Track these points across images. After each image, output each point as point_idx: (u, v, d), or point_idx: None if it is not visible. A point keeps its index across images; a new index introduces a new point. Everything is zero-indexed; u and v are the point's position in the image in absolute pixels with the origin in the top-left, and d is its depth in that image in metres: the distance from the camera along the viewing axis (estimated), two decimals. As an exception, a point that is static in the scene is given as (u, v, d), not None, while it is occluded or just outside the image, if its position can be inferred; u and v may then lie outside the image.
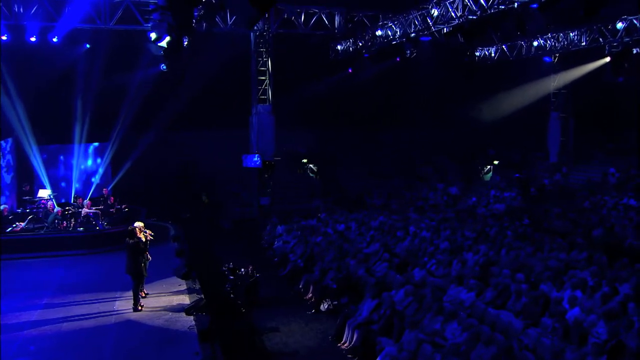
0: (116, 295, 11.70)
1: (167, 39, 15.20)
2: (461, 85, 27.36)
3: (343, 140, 29.83)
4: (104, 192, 19.26)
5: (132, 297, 11.07)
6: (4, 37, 17.29)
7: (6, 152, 18.91)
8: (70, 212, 17.03)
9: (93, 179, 21.51)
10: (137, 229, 11.24)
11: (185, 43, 18.83)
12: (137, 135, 22.54)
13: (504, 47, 23.58)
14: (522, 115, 26.41)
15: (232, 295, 12.80)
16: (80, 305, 11.26)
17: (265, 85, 22.32)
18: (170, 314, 10.81)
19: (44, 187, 18.77)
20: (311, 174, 29.91)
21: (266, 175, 22.32)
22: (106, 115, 20.76)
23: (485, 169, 30.40)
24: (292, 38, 22.33)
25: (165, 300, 11.64)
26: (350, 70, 24.25)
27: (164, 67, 19.71)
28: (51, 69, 18.94)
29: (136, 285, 11.03)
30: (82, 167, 21.20)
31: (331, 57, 23.76)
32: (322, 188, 27.60)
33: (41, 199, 17.63)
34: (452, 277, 12.27)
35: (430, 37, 17.17)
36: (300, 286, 13.69)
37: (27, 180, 19.09)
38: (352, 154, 29.88)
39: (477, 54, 24.59)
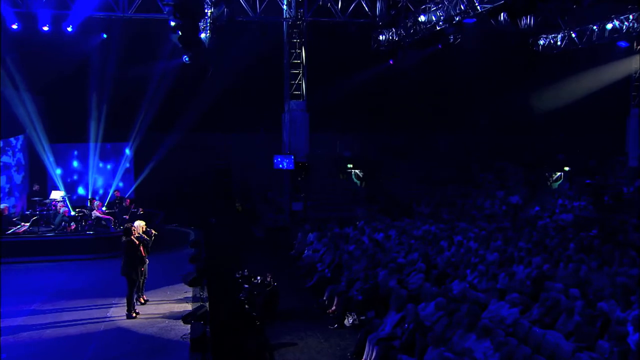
0: (113, 302, 11.66)
1: (173, 24, 15.42)
2: (524, 79, 26.36)
3: (391, 143, 29.43)
4: (115, 194, 19.48)
5: (126, 303, 10.92)
6: (14, 26, 17.79)
7: (16, 150, 19.46)
8: (80, 214, 17.26)
9: (112, 182, 21.87)
10: (132, 227, 11.13)
11: (207, 33, 19.21)
12: (158, 135, 22.88)
13: (572, 33, 22.46)
14: (598, 112, 25.15)
15: (246, 306, 12.62)
16: (71, 311, 11.27)
17: (299, 80, 22.18)
18: (167, 321, 10.70)
19: (56, 188, 19.17)
20: (356, 180, 29.62)
21: (299, 178, 22.24)
22: (124, 112, 21.12)
23: (555, 176, 29.09)
24: (329, 27, 22.09)
25: (165, 308, 11.54)
26: (391, 62, 23.71)
27: (187, 59, 19.88)
28: (65, 61, 19.35)
29: (130, 289, 10.92)
30: (99, 167, 21.54)
31: (373, 48, 23.31)
32: (366, 195, 27.25)
33: (53, 200, 17.96)
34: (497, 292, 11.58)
35: (475, 19, 16.49)
36: (325, 298, 13.48)
37: (38, 181, 19.53)
38: (401, 159, 29.42)
39: (541, 42, 23.54)
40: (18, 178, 19.67)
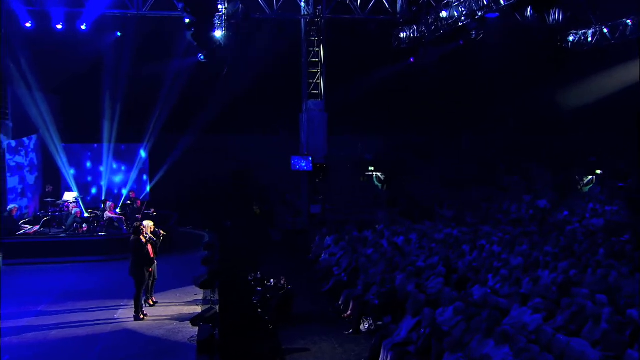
0: (122, 303, 11.68)
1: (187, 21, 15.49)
2: (551, 75, 25.96)
3: (412, 143, 29.16)
4: (130, 194, 19.60)
5: (133, 305, 10.93)
6: (28, 25, 18.05)
7: (29, 150, 19.70)
8: (92, 215, 17.38)
9: (126, 183, 22.03)
10: (141, 226, 11.14)
11: (223, 31, 19.28)
12: (173, 136, 23.02)
13: (604, 28, 22.00)
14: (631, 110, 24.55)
15: (259, 309, 12.61)
16: (78, 312, 11.31)
17: (317, 79, 22.17)
18: (175, 323, 10.68)
19: (70, 190, 19.33)
20: (377, 183, 29.48)
21: (317, 180, 22.23)
22: (138, 112, 21.30)
23: (586, 179, 28.51)
24: (348, 24, 22.03)
25: (174, 310, 11.53)
26: (412, 60, 23.50)
27: (202, 57, 19.97)
28: (78, 60, 19.63)
29: (138, 290, 10.92)
30: (113, 168, 21.73)
31: (394, 45, 23.12)
32: (387, 198, 27.08)
33: (66, 201, 18.11)
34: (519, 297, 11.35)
35: (497, 14, 16.31)
36: (340, 302, 13.40)
37: (51, 182, 19.73)
38: (423, 159, 29.15)
39: (571, 38, 23.11)
40: (31, 179, 19.89)
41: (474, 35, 19.11)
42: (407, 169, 29.00)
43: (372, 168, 29.16)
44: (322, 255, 17.58)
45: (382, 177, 29.43)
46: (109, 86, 20.24)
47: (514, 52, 23.79)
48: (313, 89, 22.11)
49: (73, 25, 18.68)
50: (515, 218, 23.22)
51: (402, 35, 22.39)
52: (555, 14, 21.19)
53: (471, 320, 9.92)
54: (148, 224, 11.58)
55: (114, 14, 19.15)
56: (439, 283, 13.13)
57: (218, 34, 19.38)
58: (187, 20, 16.96)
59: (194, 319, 10.14)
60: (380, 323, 11.76)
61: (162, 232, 11.83)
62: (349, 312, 12.69)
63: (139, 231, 11.02)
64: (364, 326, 12.01)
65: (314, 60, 22.01)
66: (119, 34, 19.78)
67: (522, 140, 28.78)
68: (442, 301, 11.56)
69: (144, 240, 11.01)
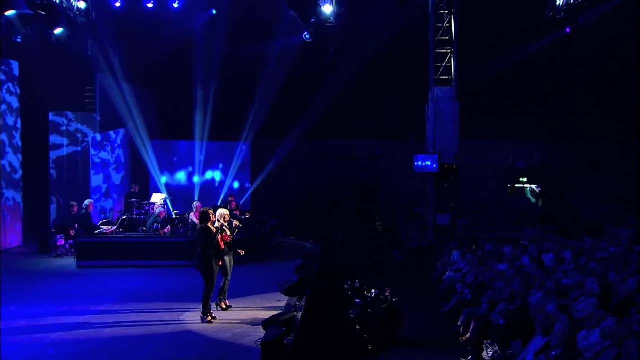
0: (191, 307, 11.84)
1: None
2: None
3: (580, 149, 27.53)
4: (229, 199, 20.11)
5: (201, 306, 11.04)
6: (117, 4, 19.32)
7: (116, 146, 20.93)
8: (178, 217, 18.01)
9: (223, 185, 22.77)
10: (211, 212, 11.26)
11: (332, 5, 19.44)
12: (274, 137, 23.61)
13: None
14: None
15: (357, 326, 12.46)
16: (141, 313, 11.65)
17: (447, 61, 21.59)
18: (244, 327, 10.70)
19: (158, 191, 20.23)
20: (531, 197, 28.37)
21: (446, 185, 21.65)
22: (235, 107, 22.15)
23: None
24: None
25: (247, 315, 11.56)
26: (568, 31, 22.10)
27: (308, 37, 20.25)
28: (168, 45, 20.60)
29: (206, 287, 11.02)
30: (207, 169, 22.52)
31: (548, 16, 21.92)
32: (541, 214, 26.11)
33: (152, 203, 18.94)
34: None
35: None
36: (460, 323, 12.92)
37: (138, 181, 20.78)
38: (594, 170, 27.43)
39: None
40: (117, 178, 21.13)
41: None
42: (571, 181, 27.59)
43: (525, 179, 28.20)
44: (447, 272, 17.24)
45: (537, 191, 28.34)
46: (201, 75, 21.07)
47: None
48: (441, 74, 21.55)
49: (164, 3, 19.67)
50: None
51: (558, 1, 21.22)
52: None
53: (623, 345, 9.00)
54: (222, 213, 11.68)
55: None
56: (591, 305, 12.08)
57: (327, 9, 19.58)
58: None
59: (266, 321, 10.04)
60: (510, 352, 10.98)
61: (236, 222, 11.88)
62: (468, 335, 12.18)
63: (206, 217, 11.12)
64: (488, 353, 11.39)
65: (443, 38, 21.48)
66: (214, 11, 20.50)
67: None
68: (589, 323, 10.67)
69: (214, 229, 11.10)
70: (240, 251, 12.22)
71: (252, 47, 21.48)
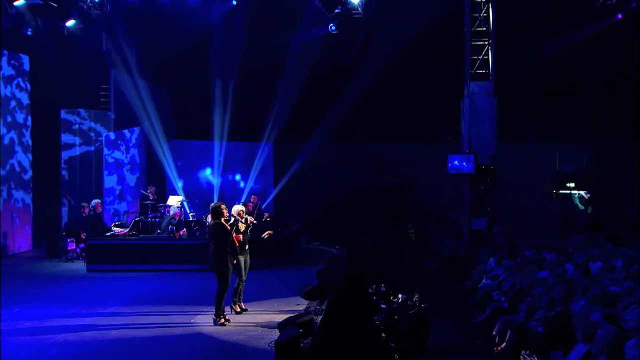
0: (204, 310, 11.81)
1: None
2: None
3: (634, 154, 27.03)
4: (252, 198, 20.05)
5: (214, 307, 10.96)
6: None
7: (130, 145, 21.01)
8: (195, 219, 17.98)
9: (244, 187, 22.77)
10: (222, 207, 11.15)
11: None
12: (298, 138, 23.54)
13: None
14: None
15: (382, 334, 12.25)
16: (151, 315, 11.70)
17: (484, 54, 21.35)
18: (260, 330, 10.67)
19: (175, 193, 20.24)
20: (579, 204, 27.87)
21: (482, 187, 21.38)
22: (255, 104, 22.11)
23: None
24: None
25: (263, 317, 11.52)
26: (619, 17, 21.62)
27: (333, 28, 20.18)
28: (185, 39, 20.67)
29: (220, 288, 10.96)
30: (226, 169, 22.53)
31: (597, 3, 21.48)
32: (589, 221, 25.43)
33: (169, 206, 18.95)
34: None
35: None
36: (495, 332, 12.79)
37: (154, 182, 20.79)
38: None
39: None
40: (132, 179, 21.21)
41: None
42: (618, 184, 27.07)
43: (572, 184, 27.82)
44: (483, 280, 17.13)
45: (586, 197, 27.91)
46: (219, 71, 21.10)
47: None
48: (478, 68, 21.29)
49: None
50: None
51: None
52: None
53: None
54: (237, 209, 11.65)
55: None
56: (640, 314, 11.80)
57: (354, -1, 19.59)
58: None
59: (283, 323, 9.87)
60: (551, 365, 10.85)
61: (250, 218, 11.83)
62: (504, 345, 12.06)
63: (218, 213, 11.04)
64: (525, 363, 11.23)
65: (479, 29, 21.23)
66: (234, 2, 20.52)
67: None
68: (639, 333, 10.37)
69: (227, 226, 11.02)
70: (265, 234, 13.03)
71: (274, 41, 21.47)
